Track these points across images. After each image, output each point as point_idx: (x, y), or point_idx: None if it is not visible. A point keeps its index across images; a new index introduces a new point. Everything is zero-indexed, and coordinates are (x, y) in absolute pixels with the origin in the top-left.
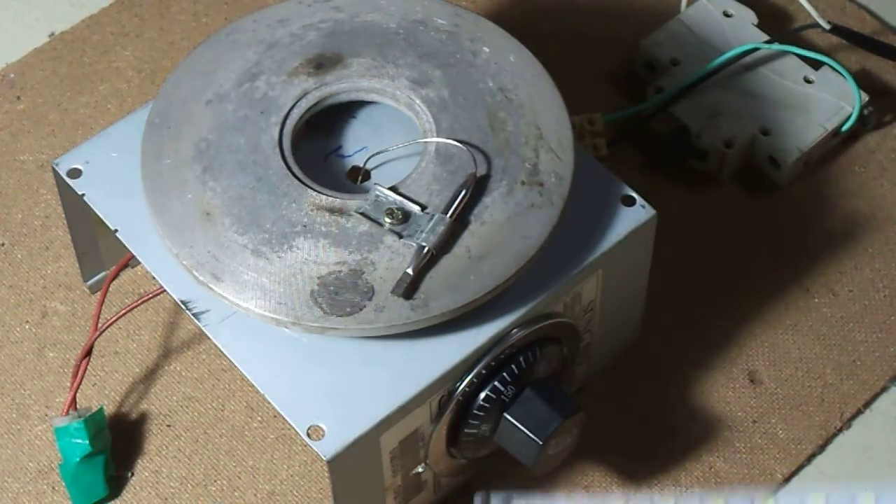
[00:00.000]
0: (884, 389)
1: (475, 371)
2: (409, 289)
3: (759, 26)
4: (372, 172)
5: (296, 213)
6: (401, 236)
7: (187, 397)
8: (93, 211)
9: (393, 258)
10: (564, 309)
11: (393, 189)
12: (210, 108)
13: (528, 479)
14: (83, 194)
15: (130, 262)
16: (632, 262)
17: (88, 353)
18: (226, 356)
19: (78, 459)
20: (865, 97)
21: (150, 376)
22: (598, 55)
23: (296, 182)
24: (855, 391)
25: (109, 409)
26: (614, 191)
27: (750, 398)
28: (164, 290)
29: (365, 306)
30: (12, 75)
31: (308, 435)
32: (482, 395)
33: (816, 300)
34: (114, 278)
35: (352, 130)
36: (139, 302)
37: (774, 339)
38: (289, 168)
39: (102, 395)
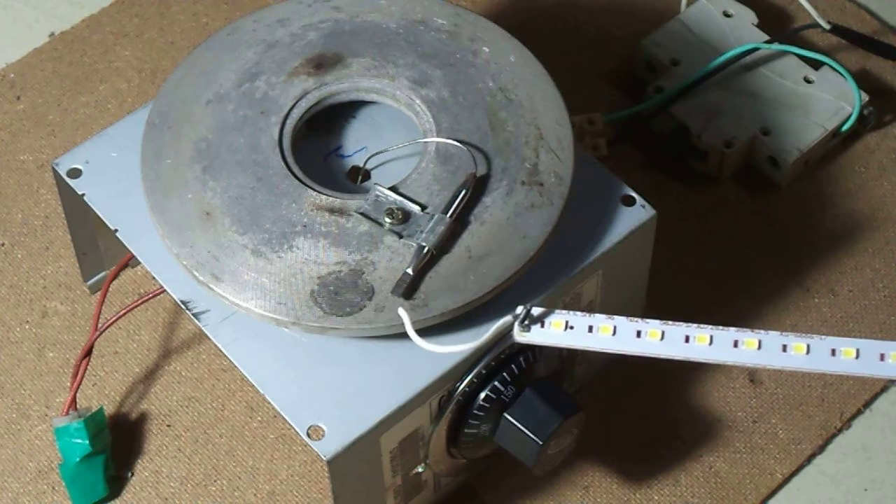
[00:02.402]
0: (884, 389)
1: (475, 371)
2: (409, 289)
3: (759, 26)
4: (372, 172)
5: (296, 213)
6: (401, 236)
7: (187, 397)
8: (93, 211)
9: (393, 258)
10: (564, 309)
11: (393, 189)
12: (210, 108)
13: (528, 478)
14: (83, 194)
15: (130, 262)
16: (632, 261)
17: (88, 353)
18: (226, 356)
19: (78, 459)
20: (865, 97)
21: (150, 376)
22: (598, 55)
23: (296, 182)
24: (855, 391)
25: (109, 409)
26: (614, 191)
27: (750, 398)
28: (164, 290)
29: (365, 306)
30: (12, 75)
31: (308, 435)
32: (482, 395)
33: (816, 300)
34: (114, 278)
35: (352, 130)
36: (139, 302)
37: None
38: (289, 168)
39: (102, 395)
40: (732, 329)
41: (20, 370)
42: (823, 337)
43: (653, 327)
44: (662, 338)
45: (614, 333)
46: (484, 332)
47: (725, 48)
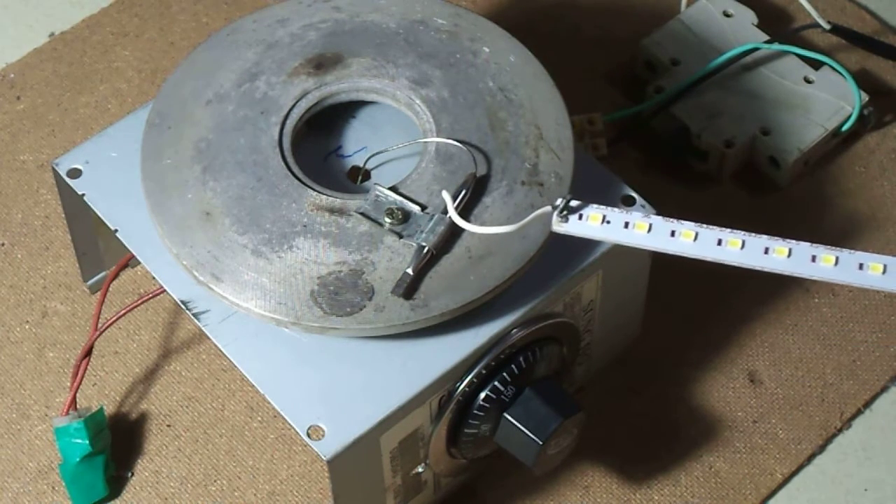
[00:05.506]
0: (884, 389)
1: (475, 371)
2: (409, 289)
3: (759, 26)
4: (372, 172)
5: (296, 213)
6: (401, 236)
7: (187, 397)
8: (93, 211)
9: (393, 258)
10: (564, 309)
11: (393, 189)
12: (210, 108)
13: (528, 478)
14: (83, 194)
15: (130, 262)
16: (632, 262)
17: (88, 353)
18: (226, 356)
19: (78, 459)
20: (865, 97)
21: (150, 376)
22: (598, 55)
23: (296, 182)
24: (855, 391)
25: (109, 409)
26: (614, 191)
27: (750, 398)
28: (164, 290)
29: (365, 306)
30: (12, 75)
31: (308, 435)
32: (482, 395)
33: (816, 300)
34: (114, 278)
35: (352, 130)
36: (139, 302)
37: (774, 339)
38: (289, 168)
39: (102, 395)
40: (765, 237)
41: (20, 370)
42: (852, 252)
43: (687, 228)
44: (696, 239)
45: (649, 231)
46: (484, 332)
47: (725, 48)
